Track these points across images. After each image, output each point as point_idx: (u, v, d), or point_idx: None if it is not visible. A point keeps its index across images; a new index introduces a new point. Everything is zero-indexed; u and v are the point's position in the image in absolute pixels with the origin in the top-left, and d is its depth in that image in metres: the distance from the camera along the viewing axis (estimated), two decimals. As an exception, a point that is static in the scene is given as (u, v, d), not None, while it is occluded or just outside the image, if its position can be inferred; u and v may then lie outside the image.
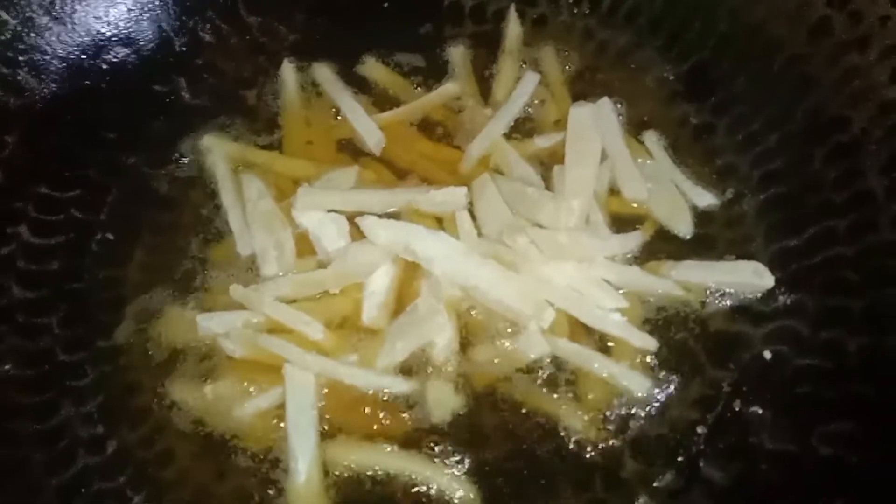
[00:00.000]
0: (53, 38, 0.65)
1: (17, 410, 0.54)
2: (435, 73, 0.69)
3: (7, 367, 0.56)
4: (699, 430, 0.52)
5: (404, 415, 0.55)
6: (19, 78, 0.64)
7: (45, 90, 0.65)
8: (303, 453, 0.53)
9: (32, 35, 0.65)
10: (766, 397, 0.52)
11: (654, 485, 0.50)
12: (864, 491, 0.45)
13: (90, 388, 0.57)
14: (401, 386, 0.55)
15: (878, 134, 0.55)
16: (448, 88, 0.67)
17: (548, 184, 0.61)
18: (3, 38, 0.63)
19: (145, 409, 0.56)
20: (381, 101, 0.68)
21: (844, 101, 0.57)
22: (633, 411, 0.53)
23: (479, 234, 0.59)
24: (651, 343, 0.55)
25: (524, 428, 0.54)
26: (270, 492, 0.53)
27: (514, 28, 0.70)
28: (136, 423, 0.56)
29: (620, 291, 0.57)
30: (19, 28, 0.64)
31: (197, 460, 0.54)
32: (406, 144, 0.66)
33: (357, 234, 0.59)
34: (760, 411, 0.51)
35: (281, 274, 0.59)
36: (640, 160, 0.62)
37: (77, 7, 0.66)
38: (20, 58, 0.64)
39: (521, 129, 0.65)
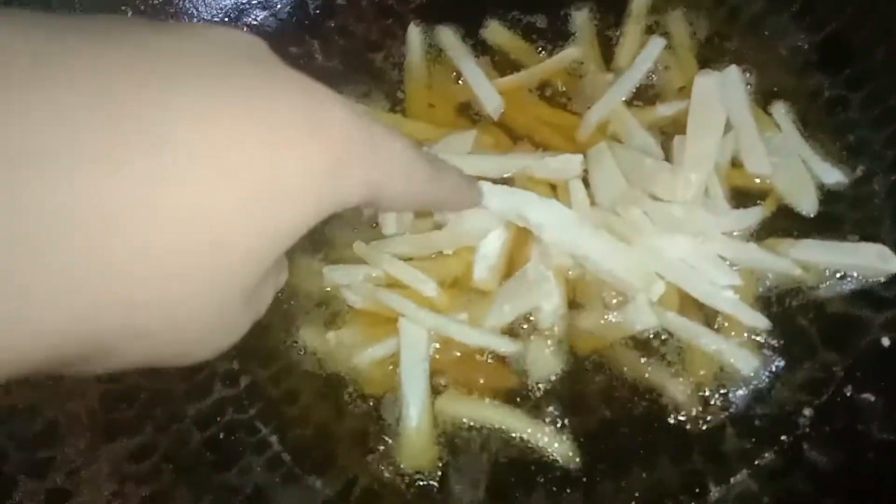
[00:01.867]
0: (200, 2, 0.70)
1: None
2: (558, 35, 0.69)
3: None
4: (806, 412, 0.52)
5: (508, 374, 0.57)
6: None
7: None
8: (414, 401, 0.56)
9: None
10: (880, 385, 0.51)
11: (756, 462, 0.51)
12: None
13: (227, 327, 0.63)
14: (507, 346, 0.57)
15: None
16: (569, 53, 0.67)
17: (667, 154, 0.61)
18: (155, 2, 0.69)
19: (275, 350, 0.61)
20: (502, 64, 0.69)
21: None
22: (738, 389, 0.53)
23: (592, 204, 0.60)
24: (763, 322, 0.54)
25: (624, 396, 0.55)
26: (384, 435, 0.57)
27: (641, -9, 0.69)
28: (266, 363, 0.61)
29: (735, 268, 0.56)
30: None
31: (319, 400, 0.59)
32: (524, 109, 0.67)
33: (472, 197, 0.61)
34: (873, 398, 0.50)
35: (400, 233, 0.62)
36: (766, 133, 0.61)
37: (221, -29, 0.71)
38: (169, 20, 0.69)
39: (643, 95, 0.64)
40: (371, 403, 0.58)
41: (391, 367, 0.59)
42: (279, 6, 0.73)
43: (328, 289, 0.62)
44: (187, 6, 0.70)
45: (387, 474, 0.56)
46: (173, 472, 0.55)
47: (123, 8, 0.68)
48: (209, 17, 0.71)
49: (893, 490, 0.46)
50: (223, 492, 0.55)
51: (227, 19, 0.71)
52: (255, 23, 0.72)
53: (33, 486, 0.51)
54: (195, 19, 0.70)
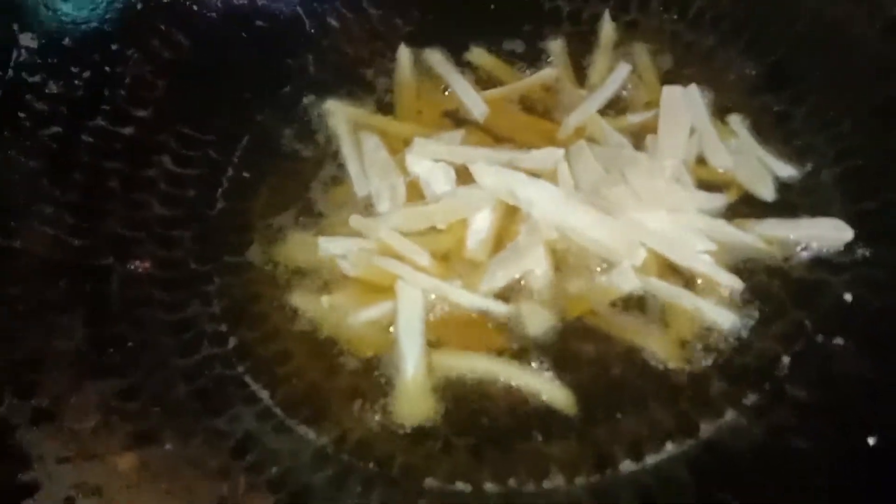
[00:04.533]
0: (206, 7, 0.75)
1: (150, 301, 0.60)
2: (534, 60, 0.76)
3: (147, 264, 0.62)
4: (784, 359, 0.55)
5: (502, 335, 0.59)
6: (175, 36, 0.73)
7: (193, 49, 0.74)
8: (411, 354, 0.57)
9: (189, 2, 0.74)
10: (848, 331, 0.55)
11: (742, 402, 0.53)
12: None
13: (216, 293, 0.62)
14: (500, 308, 0.60)
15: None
16: (548, 72, 0.75)
17: (640, 150, 0.67)
18: (165, 0, 0.73)
19: (265, 315, 0.61)
20: (484, 83, 0.76)
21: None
22: (719, 342, 0.57)
23: (576, 189, 0.65)
24: (737, 282, 0.59)
25: (613, 352, 0.58)
26: (378, 391, 0.57)
27: (607, 28, 0.78)
28: (256, 325, 0.61)
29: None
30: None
31: (311, 360, 0.59)
32: (507, 116, 0.73)
33: (462, 183, 0.65)
34: (843, 341, 0.55)
35: (395, 210, 0.65)
36: (725, 140, 0.68)
37: (229, -15, 0.76)
38: (177, 20, 0.73)
39: (614, 107, 0.71)
40: (364, 364, 0.58)
41: (385, 330, 0.60)
42: (279, 21, 0.78)
43: (319, 260, 0.63)
44: (196, 9, 0.74)
45: (382, 426, 0.55)
46: (160, 414, 0.53)
47: None
48: (215, 20, 0.75)
49: (871, 415, 0.50)
50: (212, 436, 0.53)
51: (229, 26, 0.76)
52: (256, 33, 0.77)
53: (19, 403, 0.48)
54: (202, 22, 0.74)
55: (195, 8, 0.74)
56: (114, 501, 0.47)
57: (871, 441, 0.47)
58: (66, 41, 0.67)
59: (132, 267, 0.61)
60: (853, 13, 0.69)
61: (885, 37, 0.66)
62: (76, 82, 0.67)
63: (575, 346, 0.58)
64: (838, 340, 0.55)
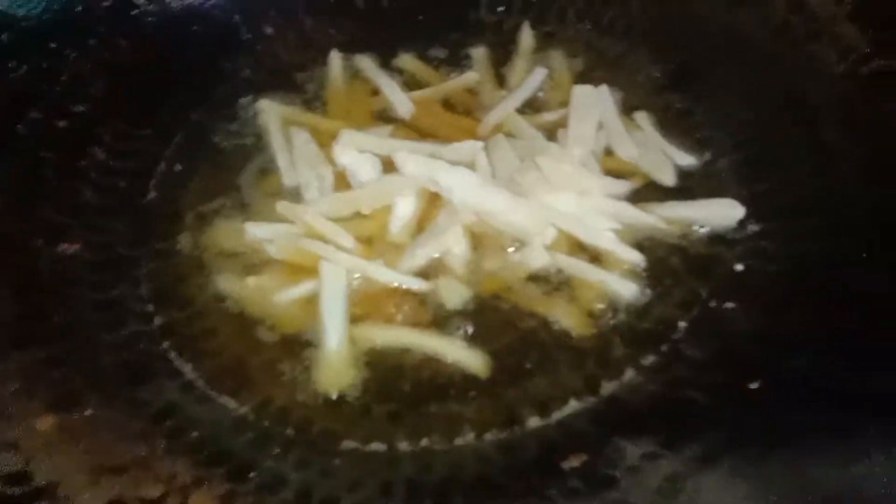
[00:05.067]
0: (145, 11, 0.78)
1: (78, 281, 0.62)
2: (458, 66, 0.81)
3: (77, 246, 0.63)
4: (680, 323, 0.59)
5: (422, 309, 0.62)
6: (114, 38, 0.76)
7: (131, 50, 0.77)
8: (333, 327, 0.60)
9: (128, 6, 0.78)
10: (739, 296, 0.59)
11: (641, 362, 0.57)
12: (832, 353, 0.52)
13: (144, 276, 0.64)
14: (420, 283, 0.63)
15: (832, 101, 0.66)
16: (470, 76, 0.80)
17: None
18: (105, 4, 0.76)
19: (191, 297, 0.63)
20: (412, 86, 0.80)
21: (804, 80, 0.69)
22: (621, 311, 0.61)
23: (493, 177, 0.69)
24: (637, 256, 0.63)
25: (525, 324, 0.61)
26: (299, 364, 0.59)
27: (526, 38, 0.83)
28: (182, 306, 0.63)
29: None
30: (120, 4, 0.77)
31: (235, 336, 0.61)
32: (432, 115, 0.77)
33: (387, 173, 0.69)
34: (733, 305, 0.59)
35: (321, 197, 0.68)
36: (631, 133, 0.73)
37: (167, -7, 0.80)
38: (116, 22, 0.77)
39: (531, 106, 0.76)
40: (288, 340, 0.61)
41: (309, 308, 0.62)
42: (216, 27, 0.82)
43: (246, 244, 0.66)
44: (136, 14, 0.77)
45: (304, 395, 0.57)
46: (82, 382, 0.54)
47: None
48: (155, 24, 0.78)
49: (759, 369, 0.53)
50: (133, 405, 0.54)
51: (168, 30, 0.79)
52: (193, 38, 0.80)
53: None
54: (142, 26, 0.78)
55: (134, 13, 0.78)
56: (31, 458, 0.48)
57: (752, 386, 0.51)
58: (3, 37, 0.69)
59: (61, 250, 0.63)
60: (748, 19, 0.75)
61: (775, 38, 0.73)
62: (12, 76, 0.69)
63: (490, 318, 0.61)
64: (729, 304, 0.59)
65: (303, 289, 0.63)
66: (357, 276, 0.63)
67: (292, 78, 0.81)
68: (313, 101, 0.79)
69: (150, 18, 0.78)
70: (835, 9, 0.69)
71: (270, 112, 0.77)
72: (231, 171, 0.72)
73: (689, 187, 0.69)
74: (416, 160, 0.68)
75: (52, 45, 0.72)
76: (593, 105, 0.73)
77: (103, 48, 0.75)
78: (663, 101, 0.76)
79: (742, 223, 0.64)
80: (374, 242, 0.66)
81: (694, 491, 0.47)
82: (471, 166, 0.69)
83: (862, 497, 0.44)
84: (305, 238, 0.65)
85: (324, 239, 0.65)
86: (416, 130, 0.76)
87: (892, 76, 0.64)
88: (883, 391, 0.49)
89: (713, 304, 0.60)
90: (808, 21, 0.70)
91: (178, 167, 0.73)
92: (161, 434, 0.53)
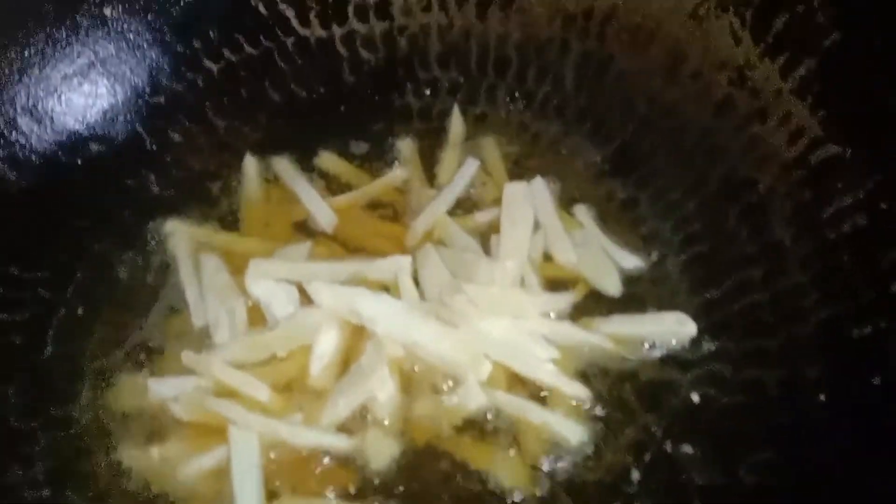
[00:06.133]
0: (33, 137, 0.71)
1: (-38, 474, 0.55)
2: (383, 160, 0.74)
3: (-45, 434, 0.57)
4: (633, 473, 0.53)
5: (347, 472, 0.56)
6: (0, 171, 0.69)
7: (21, 182, 0.70)
8: (247, 510, 0.53)
9: (14, 133, 0.71)
10: (695, 437, 0.53)
11: (590, 527, 0.51)
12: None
13: (40, 453, 0.58)
14: (342, 443, 0.56)
15: (783, 190, 0.60)
16: (396, 174, 0.73)
17: (487, 252, 0.65)
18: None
19: (93, 474, 0.57)
20: (334, 188, 0.73)
21: (751, 165, 0.63)
22: (568, 459, 0.54)
23: (422, 298, 0.62)
24: (582, 391, 0.57)
25: (462, 482, 0.55)
26: (213, 552, 0.53)
27: (457, 124, 0.76)
28: (82, 487, 0.56)
29: (553, 346, 0.59)
30: (2, 127, 0.70)
31: (141, 523, 0.55)
32: (356, 224, 0.70)
33: (306, 302, 0.63)
34: (691, 450, 0.53)
35: (232, 340, 0.62)
36: (571, 231, 0.67)
37: (56, 109, 0.73)
38: (1, 154, 0.70)
39: (463, 206, 0.70)
40: (200, 520, 0.54)
41: (220, 482, 0.56)
42: (115, 141, 0.75)
43: (150, 405, 0.59)
44: (19, 139, 0.70)
45: (216, 592, 0.51)
46: None
47: None
48: (42, 151, 0.71)
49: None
50: None
51: (60, 152, 0.72)
52: (89, 156, 0.73)
53: None
54: (28, 152, 0.71)
55: (20, 139, 0.71)
56: None
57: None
58: None
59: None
60: (687, 93, 0.69)
61: (715, 116, 0.66)
62: None
63: (424, 478, 0.55)
64: (686, 448, 0.53)
65: (212, 458, 0.56)
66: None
67: (205, 189, 0.74)
68: (228, 216, 0.72)
69: (39, 143, 0.71)
70: (780, 83, 0.62)
71: (179, 234, 0.70)
72: (138, 311, 0.66)
73: (636, 295, 0.63)
74: (331, 289, 0.62)
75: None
76: (527, 204, 0.67)
77: (-15, 184, 0.68)
78: (604, 190, 0.70)
79: (696, 340, 0.58)
80: (292, 390, 0.60)
81: None
82: (398, 286, 0.63)
83: None
84: (214, 395, 0.58)
85: (236, 393, 0.59)
86: (340, 243, 0.69)
87: (846, 166, 0.57)
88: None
89: (668, 446, 0.54)
90: (752, 97, 0.64)
91: (80, 311, 0.66)
92: None
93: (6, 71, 0.71)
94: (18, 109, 0.71)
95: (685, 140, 0.68)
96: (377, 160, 0.75)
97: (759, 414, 0.52)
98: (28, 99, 0.72)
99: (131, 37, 0.76)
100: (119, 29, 0.76)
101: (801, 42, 0.62)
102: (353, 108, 0.79)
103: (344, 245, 0.69)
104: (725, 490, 0.50)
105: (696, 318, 0.59)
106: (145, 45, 0.77)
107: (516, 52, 0.77)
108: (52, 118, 0.73)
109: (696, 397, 0.56)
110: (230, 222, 0.72)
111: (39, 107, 0.72)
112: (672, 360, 0.58)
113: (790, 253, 0.57)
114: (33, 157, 0.71)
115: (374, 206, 0.72)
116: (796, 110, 0.62)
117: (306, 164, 0.75)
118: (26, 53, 0.72)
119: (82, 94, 0.75)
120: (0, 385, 0.61)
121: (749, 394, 0.54)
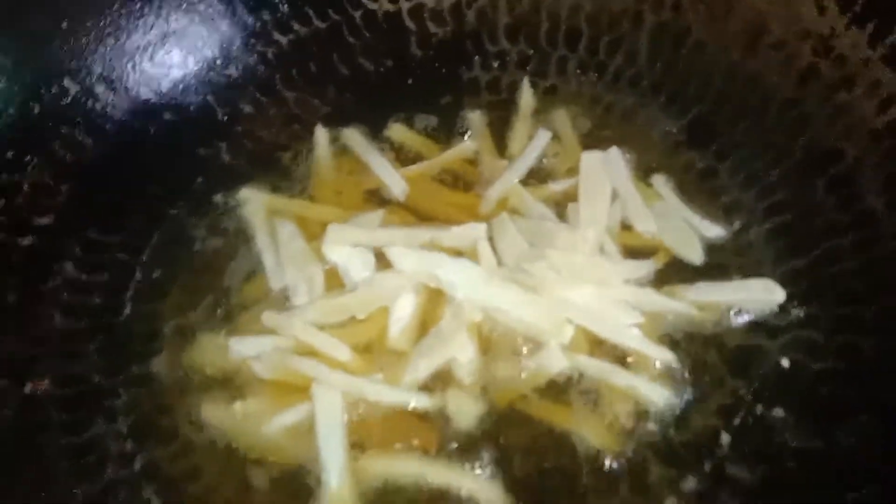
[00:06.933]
0: (109, 104, 0.72)
1: (46, 425, 0.56)
2: (453, 133, 0.74)
3: (45, 384, 0.57)
4: (723, 436, 0.52)
5: (430, 429, 0.55)
6: (77, 137, 0.70)
7: (98, 148, 0.71)
8: (334, 464, 0.53)
9: (91, 101, 0.71)
10: (787, 401, 0.52)
11: (681, 488, 0.50)
12: (888, 480, 0.45)
13: (122, 407, 0.58)
14: (424, 401, 0.56)
15: (873, 160, 0.59)
16: (467, 145, 0.73)
17: (563, 220, 0.65)
18: (64, 102, 0.70)
19: (175, 429, 0.57)
20: (404, 160, 0.73)
21: (837, 135, 0.62)
22: (655, 422, 0.54)
23: (499, 265, 0.62)
24: (668, 356, 0.56)
25: (546, 441, 0.54)
26: (300, 504, 0.53)
27: (526, 97, 0.76)
28: (165, 441, 0.57)
29: (637, 311, 0.59)
30: (80, 95, 0.71)
31: (225, 476, 0.55)
32: (428, 193, 0.70)
33: (381, 267, 0.62)
34: (783, 414, 0.52)
35: (311, 301, 0.62)
36: (650, 202, 0.66)
37: (131, 78, 0.74)
38: (78, 120, 0.70)
39: (536, 176, 0.69)
40: (283, 475, 0.54)
41: (303, 437, 0.56)
42: (188, 111, 0.76)
43: (232, 363, 0.60)
44: (97, 107, 0.71)
45: (305, 543, 0.51)
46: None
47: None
48: (118, 118, 0.72)
49: (815, 492, 0.46)
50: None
51: (135, 120, 0.73)
52: (162, 125, 0.74)
53: None
54: (104, 120, 0.71)
55: (97, 106, 0.72)
56: None
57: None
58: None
59: (28, 390, 0.57)
60: (768, 64, 0.67)
61: (799, 85, 0.65)
62: (-33, 194, 0.63)
63: (506, 438, 0.55)
64: (778, 412, 0.52)
65: (296, 414, 0.56)
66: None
67: (276, 159, 0.74)
68: (300, 184, 0.72)
69: (114, 111, 0.72)
70: (869, 52, 0.61)
71: (253, 202, 0.70)
72: (213, 275, 0.66)
73: (719, 263, 0.62)
74: (411, 254, 0.61)
75: (10, 155, 0.66)
76: (604, 173, 0.66)
77: (66, 150, 0.69)
78: (682, 161, 0.69)
79: (784, 307, 0.57)
80: (372, 351, 0.60)
81: None
82: (474, 252, 0.62)
83: None
84: (294, 355, 0.58)
85: (316, 352, 0.59)
86: (412, 211, 0.69)
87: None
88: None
89: (759, 410, 0.53)
90: (837, 66, 0.63)
91: (156, 275, 0.66)
92: None
93: (83, 41, 0.72)
94: (95, 78, 0.72)
95: (767, 111, 0.66)
96: (446, 132, 0.75)
97: (854, 379, 0.51)
98: (104, 68, 0.73)
99: (203, 9, 0.77)
100: (191, 1, 0.76)
101: (891, 9, 0.60)
102: (420, 81, 0.79)
103: (416, 214, 0.69)
104: (822, 453, 0.49)
105: (783, 285, 0.58)
106: (216, 18, 0.77)
107: (587, 25, 0.77)
108: (126, 87, 0.74)
109: (786, 363, 0.55)
110: (300, 192, 0.72)
111: (114, 76, 0.73)
112: (759, 326, 0.57)
113: (884, 221, 0.56)
114: (108, 125, 0.72)
115: (445, 176, 0.72)
116: (886, 78, 0.60)
117: (376, 136, 0.75)
118: (102, 24, 0.73)
119: (155, 64, 0.75)
120: (82, 343, 0.61)
121: (844, 359, 0.52)
